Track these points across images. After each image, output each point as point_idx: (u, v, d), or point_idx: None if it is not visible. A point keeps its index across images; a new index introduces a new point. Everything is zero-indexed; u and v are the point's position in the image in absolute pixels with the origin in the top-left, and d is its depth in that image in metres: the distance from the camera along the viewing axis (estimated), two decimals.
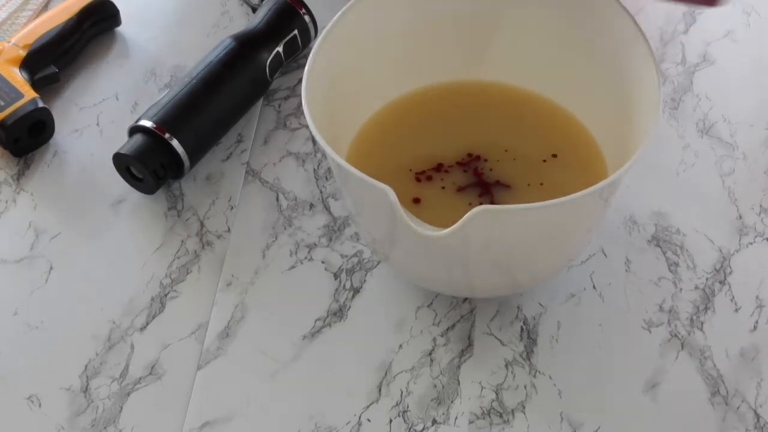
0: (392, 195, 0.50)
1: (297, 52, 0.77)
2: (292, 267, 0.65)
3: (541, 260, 0.59)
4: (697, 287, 0.63)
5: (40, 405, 0.59)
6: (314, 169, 0.71)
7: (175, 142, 0.67)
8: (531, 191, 0.62)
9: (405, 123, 0.67)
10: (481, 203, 0.60)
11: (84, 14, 0.78)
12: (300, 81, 0.58)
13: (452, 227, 0.49)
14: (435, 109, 0.67)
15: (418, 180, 0.62)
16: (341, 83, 0.61)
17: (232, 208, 0.69)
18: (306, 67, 0.58)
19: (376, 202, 0.52)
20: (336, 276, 0.64)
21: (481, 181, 0.62)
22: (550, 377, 0.59)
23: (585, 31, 0.63)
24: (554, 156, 0.64)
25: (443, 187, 0.62)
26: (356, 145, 0.64)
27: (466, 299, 0.63)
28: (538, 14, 0.65)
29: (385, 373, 0.60)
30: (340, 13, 0.61)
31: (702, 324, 0.61)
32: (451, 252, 0.54)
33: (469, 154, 0.64)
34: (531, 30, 0.65)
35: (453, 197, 0.62)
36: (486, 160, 0.63)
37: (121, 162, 0.68)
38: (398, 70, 0.66)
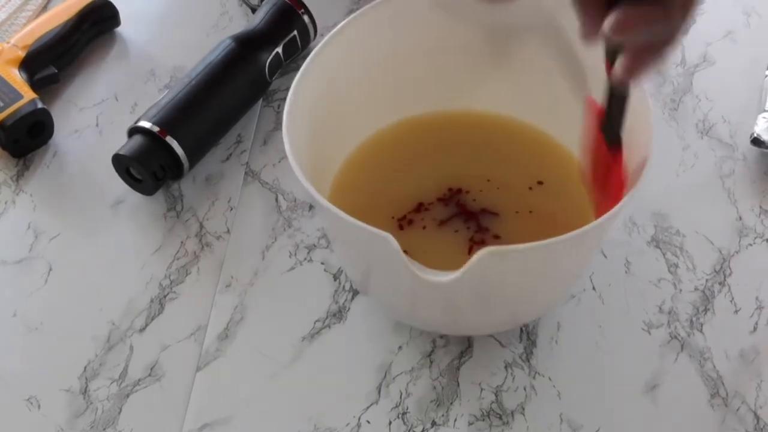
0: (394, 243, 0.48)
1: (296, 53, 0.77)
2: (292, 268, 0.65)
3: (547, 293, 0.58)
4: (696, 288, 0.63)
5: (39, 406, 0.59)
6: None
7: (174, 143, 0.67)
8: (521, 219, 0.61)
9: (384, 161, 0.64)
10: (468, 228, 0.60)
11: (83, 15, 0.78)
12: None
13: (459, 271, 0.47)
14: (414, 143, 0.65)
15: (401, 228, 0.61)
16: (321, 124, 0.59)
17: (231, 209, 0.69)
18: (285, 111, 0.55)
19: (373, 250, 0.51)
20: (335, 277, 0.64)
21: (464, 211, 0.61)
22: (550, 379, 0.59)
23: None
24: (540, 183, 0.63)
25: (424, 227, 0.61)
26: (336, 188, 0.62)
27: None
28: (519, 42, 0.63)
29: (385, 375, 0.60)
30: (318, 47, 0.58)
31: (702, 325, 0.61)
32: (455, 294, 0.52)
33: (450, 189, 0.63)
34: (513, 58, 0.64)
35: (435, 233, 0.61)
36: (468, 192, 0.62)
37: (120, 163, 0.68)
38: (377, 104, 0.64)
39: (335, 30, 0.59)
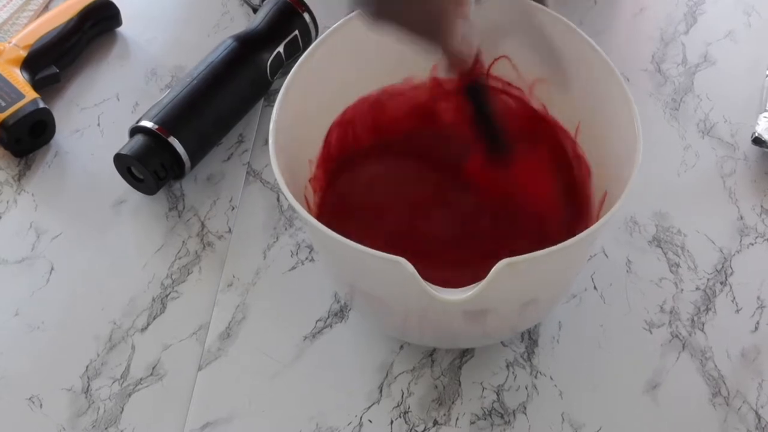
0: (410, 267, 0.47)
1: (298, 53, 0.76)
2: (293, 267, 0.65)
3: (556, 294, 0.57)
4: (698, 288, 0.63)
5: (41, 406, 0.59)
6: None
7: (176, 143, 0.67)
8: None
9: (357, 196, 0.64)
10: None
11: (85, 15, 0.78)
12: None
13: (476, 288, 0.47)
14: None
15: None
16: (308, 129, 0.59)
17: (233, 208, 0.69)
18: (270, 141, 0.54)
19: (383, 272, 0.49)
20: None
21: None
22: (551, 378, 0.59)
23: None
24: None
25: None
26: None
27: None
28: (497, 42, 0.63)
29: (386, 374, 0.60)
30: (304, 55, 0.58)
31: (703, 325, 0.61)
32: (469, 310, 0.52)
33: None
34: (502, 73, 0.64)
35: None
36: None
37: (122, 162, 0.68)
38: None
39: (320, 38, 0.58)
